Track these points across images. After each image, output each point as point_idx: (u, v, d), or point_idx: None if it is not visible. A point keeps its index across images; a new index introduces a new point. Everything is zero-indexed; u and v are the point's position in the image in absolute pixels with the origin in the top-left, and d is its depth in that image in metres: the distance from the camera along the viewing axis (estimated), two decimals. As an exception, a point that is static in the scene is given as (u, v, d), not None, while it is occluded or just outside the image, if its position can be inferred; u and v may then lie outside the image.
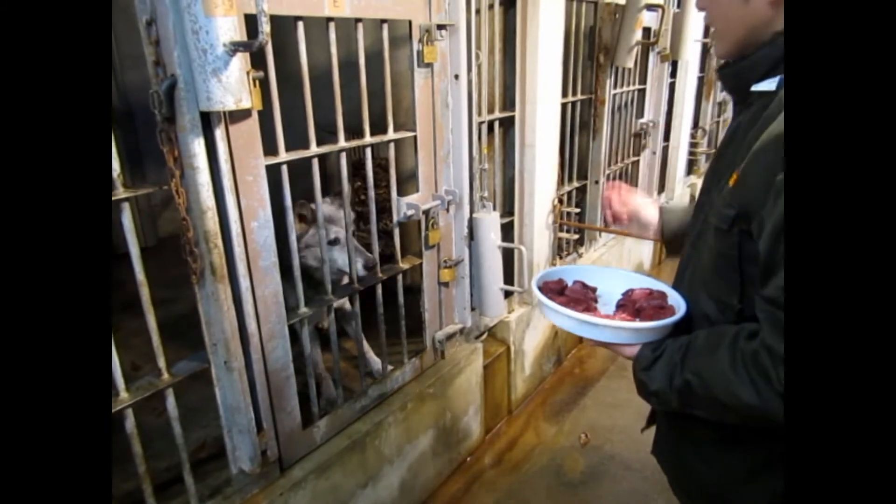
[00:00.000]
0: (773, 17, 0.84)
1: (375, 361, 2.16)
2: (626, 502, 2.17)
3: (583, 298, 1.09)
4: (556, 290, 1.11)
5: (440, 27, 1.83)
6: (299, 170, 1.60)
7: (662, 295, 1.07)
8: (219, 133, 1.25)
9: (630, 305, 1.08)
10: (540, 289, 1.10)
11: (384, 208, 2.50)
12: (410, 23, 1.76)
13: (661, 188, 4.31)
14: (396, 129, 1.85)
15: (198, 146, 1.22)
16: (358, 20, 1.61)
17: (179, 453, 1.42)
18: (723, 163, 0.96)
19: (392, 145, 1.86)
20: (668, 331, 0.98)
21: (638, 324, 0.99)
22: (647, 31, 3.26)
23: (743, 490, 0.95)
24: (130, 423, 1.30)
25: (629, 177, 3.71)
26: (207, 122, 1.23)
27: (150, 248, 4.11)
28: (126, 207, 1.21)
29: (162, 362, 1.34)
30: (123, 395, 1.28)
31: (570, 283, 1.15)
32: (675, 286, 1.08)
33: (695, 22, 3.57)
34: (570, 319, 1.01)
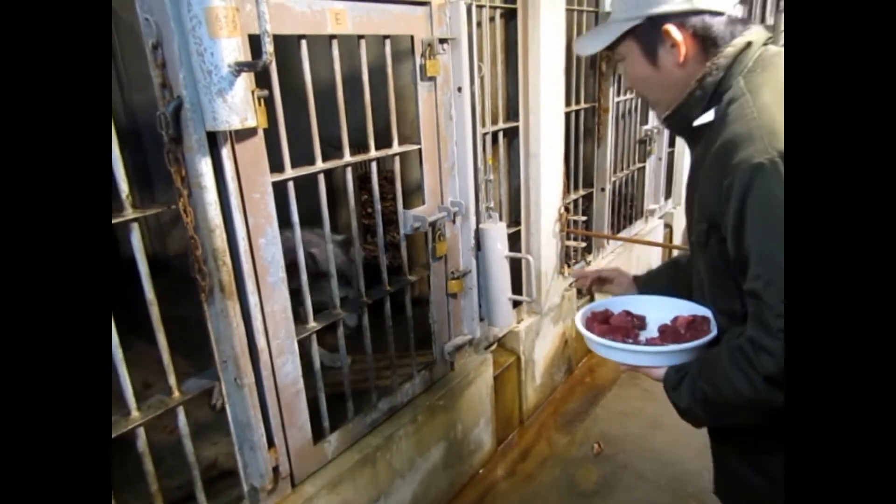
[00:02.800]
0: (688, 73, 0.97)
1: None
2: (641, 512, 2.15)
3: (623, 326, 1.14)
4: (600, 318, 1.17)
5: (442, 41, 1.85)
6: (305, 185, 1.61)
7: (705, 320, 1.09)
8: (225, 152, 1.27)
9: (669, 332, 1.11)
10: (586, 320, 1.17)
11: (391, 220, 2.51)
12: (412, 38, 1.78)
13: (668, 193, 4.30)
14: (402, 142, 1.86)
15: (205, 165, 1.23)
16: (360, 37, 1.63)
17: (191, 471, 1.42)
18: (693, 192, 1.04)
19: (397, 158, 1.87)
20: (697, 353, 1.02)
21: (653, 347, 1.04)
22: (648, 38, 3.27)
23: None
24: (142, 441, 1.30)
25: (635, 183, 3.71)
26: (214, 141, 1.24)
27: (159, 266, 4.14)
28: (135, 227, 1.23)
29: (172, 380, 1.35)
30: (135, 413, 1.28)
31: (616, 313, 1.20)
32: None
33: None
34: (596, 345, 1.08)
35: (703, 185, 0.94)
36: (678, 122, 1.03)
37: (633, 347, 1.06)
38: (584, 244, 3.11)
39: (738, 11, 0.98)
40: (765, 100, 0.87)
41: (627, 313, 1.19)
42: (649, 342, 1.10)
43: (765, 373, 0.83)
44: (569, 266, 3.00)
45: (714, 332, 1.04)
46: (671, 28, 0.94)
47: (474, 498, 2.28)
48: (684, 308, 1.16)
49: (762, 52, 0.94)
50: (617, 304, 1.22)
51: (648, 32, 0.97)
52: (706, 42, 0.95)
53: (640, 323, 1.18)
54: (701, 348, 1.02)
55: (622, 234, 3.54)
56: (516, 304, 2.59)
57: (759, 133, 0.83)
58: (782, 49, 0.93)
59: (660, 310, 1.18)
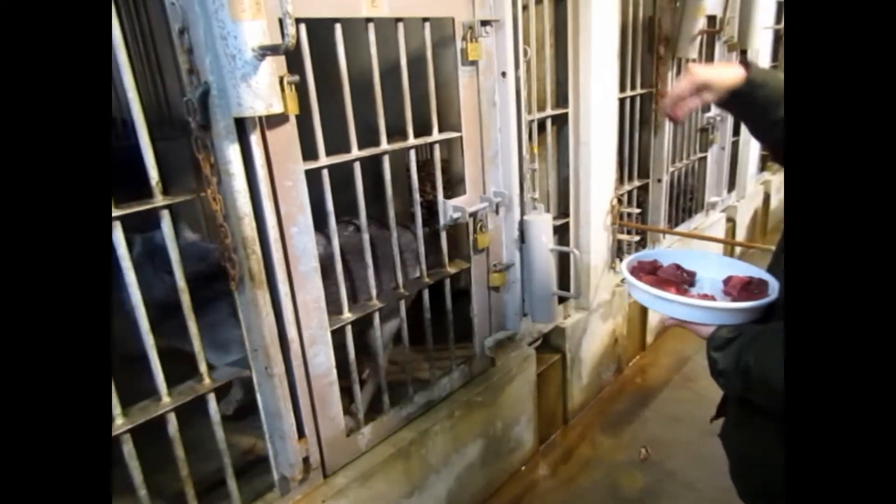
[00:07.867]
0: None
1: None
2: (689, 524, 2.03)
3: (673, 280, 1.09)
4: (648, 270, 1.12)
5: (484, 23, 1.77)
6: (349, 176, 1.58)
7: (762, 284, 1.02)
8: (254, 139, 1.25)
9: (723, 292, 1.06)
10: (632, 269, 1.12)
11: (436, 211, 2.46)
12: (453, 20, 1.71)
13: (732, 186, 4.06)
14: (447, 130, 1.80)
15: (233, 152, 1.21)
16: (398, 19, 1.58)
17: (222, 458, 1.43)
18: None
19: (438, 146, 1.81)
20: (751, 315, 0.96)
21: (709, 303, 0.98)
22: (711, 18, 3.07)
23: None
24: (173, 426, 1.32)
25: (696, 174, 3.51)
26: (242, 128, 1.23)
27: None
28: (165, 215, 1.23)
29: (203, 368, 1.35)
30: (165, 399, 1.30)
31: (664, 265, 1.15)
32: (773, 268, 1.04)
33: (764, 7, 3.32)
34: (645, 294, 1.02)
35: None
36: None
37: (685, 300, 0.99)
38: (637, 238, 2.97)
39: None
40: None
41: (678, 267, 1.12)
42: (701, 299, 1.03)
43: None
44: (620, 260, 2.87)
45: (773, 296, 0.96)
46: None
47: (513, 497, 2.22)
48: (739, 268, 1.09)
49: None
50: (667, 256, 1.16)
51: None
52: None
53: (690, 279, 1.11)
54: (756, 310, 0.95)
55: (680, 229, 3.36)
56: (563, 299, 2.50)
57: None
58: None
59: (712, 267, 1.12)
